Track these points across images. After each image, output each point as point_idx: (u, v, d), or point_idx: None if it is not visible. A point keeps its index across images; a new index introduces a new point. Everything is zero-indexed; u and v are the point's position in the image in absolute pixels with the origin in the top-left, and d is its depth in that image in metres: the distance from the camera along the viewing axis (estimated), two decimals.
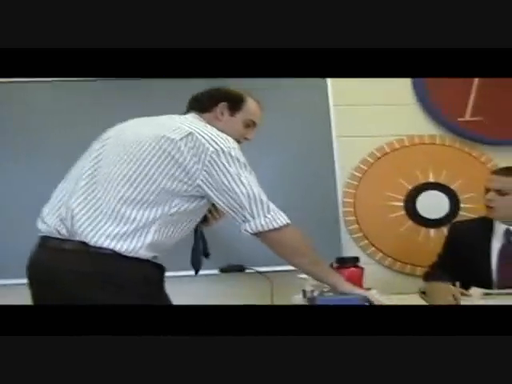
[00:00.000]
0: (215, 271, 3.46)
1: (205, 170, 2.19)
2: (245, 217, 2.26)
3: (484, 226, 3.03)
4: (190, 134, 2.20)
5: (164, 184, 2.18)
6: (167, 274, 3.36)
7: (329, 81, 3.71)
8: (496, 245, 2.97)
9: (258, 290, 3.46)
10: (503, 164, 3.41)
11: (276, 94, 3.56)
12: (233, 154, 2.24)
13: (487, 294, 2.69)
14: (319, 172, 3.65)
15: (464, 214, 3.79)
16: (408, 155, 3.89)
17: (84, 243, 2.12)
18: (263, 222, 2.25)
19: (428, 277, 3.02)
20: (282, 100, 3.62)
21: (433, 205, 3.86)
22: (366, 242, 3.81)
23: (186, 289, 3.44)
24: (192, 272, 3.38)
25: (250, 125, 2.54)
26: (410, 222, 3.85)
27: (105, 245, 2.11)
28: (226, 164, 2.21)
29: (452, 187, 3.88)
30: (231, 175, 2.22)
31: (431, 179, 3.88)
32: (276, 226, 2.27)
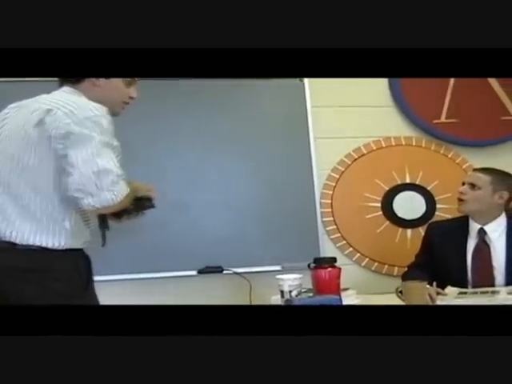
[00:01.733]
0: (193, 272, 3.47)
1: (65, 144, 2.11)
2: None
3: (460, 226, 3.08)
4: (49, 111, 2.13)
5: (48, 167, 2.14)
6: (146, 275, 3.41)
7: (306, 82, 3.73)
8: (471, 244, 3.02)
9: (236, 291, 3.48)
10: (478, 165, 3.46)
11: (253, 96, 3.59)
12: (95, 120, 2.13)
13: (462, 293, 2.74)
14: (297, 173, 3.67)
15: (440, 215, 3.84)
16: (385, 156, 3.94)
17: (9, 242, 2.13)
18: (108, 197, 2.15)
19: (406, 276, 3.06)
20: (260, 101, 3.65)
21: (409, 205, 3.91)
22: (344, 242, 3.85)
23: (164, 289, 3.47)
24: (171, 273, 3.43)
25: (130, 82, 2.43)
26: (387, 223, 3.89)
27: (30, 241, 2.12)
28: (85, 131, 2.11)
29: (428, 188, 3.93)
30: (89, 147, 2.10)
31: (408, 180, 3.94)
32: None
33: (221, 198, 3.55)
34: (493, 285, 2.88)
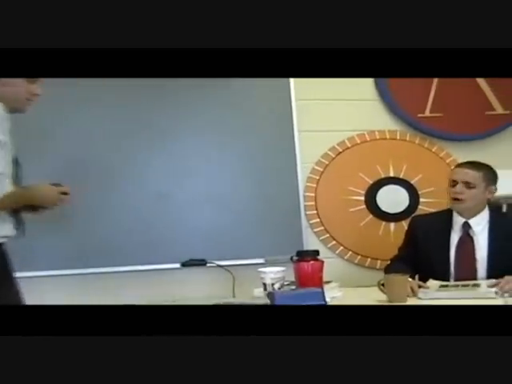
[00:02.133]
0: (177, 265, 3.48)
1: None
2: None
3: (443, 220, 3.10)
4: None
5: None
6: (130, 268, 3.41)
7: None
8: (454, 238, 3.04)
9: (219, 284, 3.48)
10: (462, 159, 3.48)
11: (238, 88, 3.59)
12: None
13: (443, 286, 2.75)
14: (281, 166, 3.68)
15: (423, 209, 3.87)
16: (369, 150, 3.95)
17: None
18: None
19: (388, 269, 3.08)
20: (244, 94, 3.64)
21: (393, 199, 3.93)
22: (327, 235, 3.86)
23: (148, 282, 3.47)
24: (155, 266, 3.43)
25: (34, 79, 2.47)
26: (370, 216, 3.91)
27: None
28: None
29: (412, 182, 3.95)
30: None
31: (392, 174, 3.95)
32: None
33: (204, 191, 3.56)
34: (475, 278, 2.90)
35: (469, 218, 3.03)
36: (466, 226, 3.02)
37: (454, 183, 3.04)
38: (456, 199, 3.03)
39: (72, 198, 2.56)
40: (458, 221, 3.05)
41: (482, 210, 3.04)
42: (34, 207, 2.52)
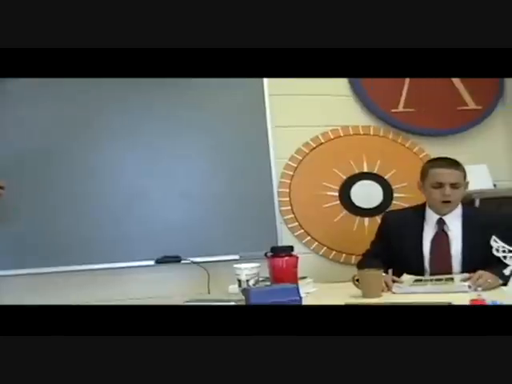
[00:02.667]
0: (151, 262, 3.48)
1: None
2: None
3: (416, 216, 3.12)
4: None
5: None
6: (104, 265, 3.41)
7: None
8: (428, 233, 3.06)
9: (194, 281, 3.49)
10: (435, 155, 3.51)
11: (211, 83, 3.57)
12: None
13: (417, 281, 2.78)
14: (255, 162, 3.69)
15: (397, 204, 3.90)
16: (343, 145, 3.97)
17: None
18: None
19: (361, 264, 3.10)
20: (217, 89, 3.63)
21: (367, 194, 3.96)
22: (302, 231, 3.88)
23: (122, 280, 3.47)
24: (129, 263, 3.42)
25: None
26: (344, 212, 3.93)
27: None
28: None
29: (386, 177, 3.98)
30: None
31: (365, 169, 3.98)
32: None
33: (178, 187, 3.55)
34: (450, 273, 2.93)
35: (443, 215, 3.05)
36: (441, 222, 3.04)
37: (439, 185, 3.01)
38: (447, 202, 3.02)
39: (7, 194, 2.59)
40: (431, 216, 3.07)
41: (456, 205, 3.07)
42: None
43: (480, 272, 2.65)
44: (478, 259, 2.82)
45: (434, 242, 3.04)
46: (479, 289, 2.54)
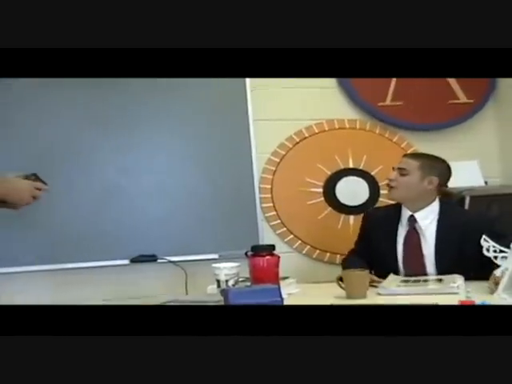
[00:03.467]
0: (126, 261, 3.47)
1: None
2: None
3: (393, 213, 3.14)
4: None
5: None
6: (76, 265, 3.39)
7: None
8: (402, 232, 3.08)
9: (171, 281, 3.48)
10: (423, 150, 3.52)
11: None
12: None
13: (404, 282, 2.78)
14: (235, 157, 3.69)
15: (384, 201, 3.88)
16: (327, 140, 3.98)
17: None
18: None
19: (346, 264, 3.12)
20: (196, 82, 3.57)
21: (352, 191, 3.97)
22: (284, 229, 3.88)
23: (95, 280, 3.45)
24: (102, 263, 3.41)
25: None
26: (329, 209, 3.94)
27: None
28: None
29: (372, 173, 3.99)
30: None
31: (351, 165, 3.99)
32: None
33: (155, 182, 3.55)
34: (424, 274, 2.94)
35: (415, 212, 3.05)
36: (412, 220, 3.05)
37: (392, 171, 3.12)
38: (389, 186, 3.11)
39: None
40: (404, 214, 3.08)
41: (429, 202, 3.07)
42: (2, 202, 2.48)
43: None
44: (453, 260, 2.85)
45: (405, 241, 3.06)
46: (469, 289, 2.54)
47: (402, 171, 3.06)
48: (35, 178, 2.57)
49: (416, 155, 3.15)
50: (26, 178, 2.52)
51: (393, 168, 3.11)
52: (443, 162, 3.12)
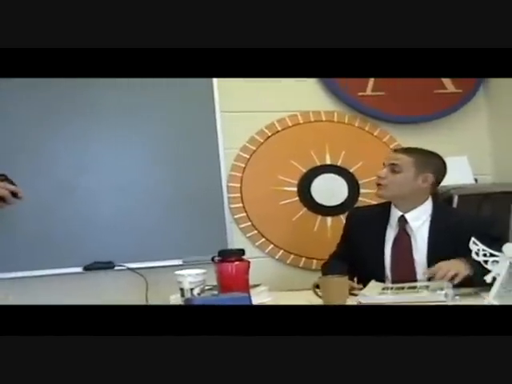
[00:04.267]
0: (79, 269, 3.44)
1: None
2: None
3: (381, 213, 3.11)
4: None
5: None
6: (24, 273, 3.35)
7: None
8: (391, 234, 3.05)
9: (130, 290, 3.46)
10: (408, 144, 3.52)
11: None
12: None
13: (386, 289, 2.78)
14: (200, 152, 3.67)
15: (364, 201, 3.91)
16: (302, 134, 3.98)
17: None
18: None
19: (325, 268, 3.12)
20: None
21: (330, 190, 3.97)
22: (255, 232, 3.88)
23: (44, 289, 3.42)
24: (53, 271, 3.38)
25: None
26: (304, 210, 3.94)
27: None
28: None
29: (351, 170, 3.99)
30: None
31: (328, 161, 3.99)
32: None
33: (111, 181, 3.52)
34: (414, 279, 2.92)
35: (406, 212, 3.03)
36: (402, 221, 3.02)
37: (383, 168, 3.06)
38: (378, 184, 3.06)
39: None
40: (394, 215, 3.05)
41: (421, 202, 3.04)
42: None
43: (438, 265, 2.67)
44: None
45: (394, 243, 3.03)
46: (457, 297, 2.55)
47: (394, 168, 3.01)
48: (4, 178, 2.57)
49: (409, 150, 3.08)
50: None
51: (383, 164, 3.06)
52: (438, 157, 3.09)
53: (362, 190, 3.97)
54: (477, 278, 2.48)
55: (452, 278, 2.61)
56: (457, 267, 2.62)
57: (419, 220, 3.01)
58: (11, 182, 2.61)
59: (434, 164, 3.05)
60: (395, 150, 3.20)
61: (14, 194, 2.61)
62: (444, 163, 3.08)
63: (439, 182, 3.11)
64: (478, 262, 2.34)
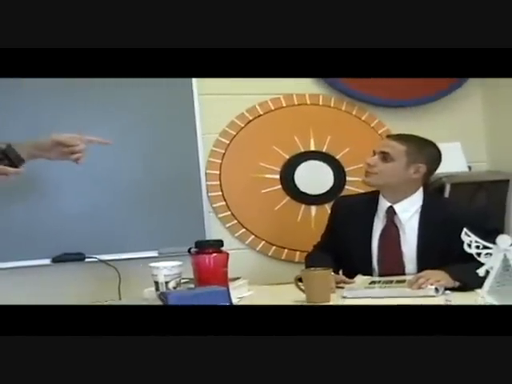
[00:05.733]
0: (47, 261, 3.43)
1: None
2: None
3: (368, 203, 3.12)
4: None
5: None
6: None
7: None
8: (378, 226, 3.06)
9: (101, 283, 3.45)
10: (398, 130, 3.52)
11: None
12: None
13: (373, 283, 2.79)
14: (177, 138, 3.67)
15: (351, 189, 3.91)
16: (285, 118, 3.98)
17: None
18: None
19: (309, 260, 3.11)
20: None
21: (314, 178, 3.97)
22: (235, 222, 3.88)
23: (8, 282, 3.41)
24: (18, 263, 3.36)
25: None
26: (287, 199, 3.94)
27: None
28: None
29: (337, 157, 4.00)
30: None
31: (312, 147, 3.99)
32: None
33: (81, 169, 3.48)
34: (402, 273, 2.94)
35: (394, 203, 3.03)
36: (391, 212, 3.03)
37: (373, 155, 3.06)
38: (367, 172, 3.06)
39: None
40: (382, 205, 3.06)
41: (411, 193, 3.04)
42: None
43: (425, 272, 2.67)
44: (436, 259, 2.83)
45: (382, 236, 3.04)
46: (448, 292, 2.55)
47: (385, 156, 3.00)
48: (2, 156, 2.56)
49: (402, 137, 3.06)
50: None
51: (373, 152, 3.05)
52: (433, 146, 3.08)
53: (348, 178, 3.98)
54: (468, 286, 2.48)
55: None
56: (439, 277, 2.62)
57: (408, 211, 3.01)
58: (11, 159, 2.60)
59: (428, 153, 3.04)
60: (387, 137, 3.19)
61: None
62: (439, 152, 3.08)
63: (432, 173, 3.11)
64: (469, 271, 2.33)
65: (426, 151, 3.04)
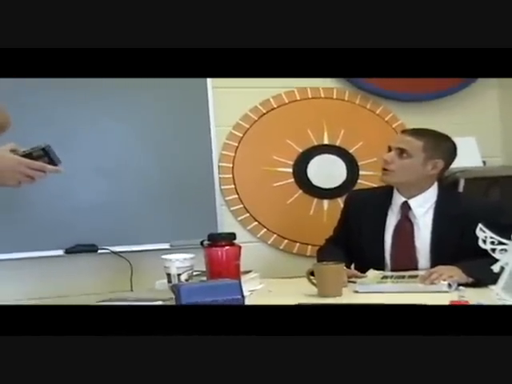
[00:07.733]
0: (60, 252, 3.44)
1: None
2: None
3: (382, 198, 3.11)
4: None
5: None
6: (3, 256, 3.35)
7: None
8: (392, 220, 3.06)
9: (114, 275, 3.48)
10: (412, 124, 3.52)
11: None
12: None
13: (385, 278, 2.79)
14: (190, 130, 3.67)
15: (364, 183, 3.91)
16: (299, 111, 3.98)
17: None
18: None
19: (321, 253, 3.13)
20: None
21: (327, 171, 3.97)
22: (247, 215, 3.88)
23: (22, 274, 3.42)
24: (33, 253, 3.38)
25: None
26: (299, 192, 3.95)
27: None
28: None
29: (350, 151, 4.00)
30: None
31: (326, 141, 3.99)
32: None
33: (95, 161, 3.51)
34: (415, 268, 2.94)
35: (409, 198, 3.03)
36: (405, 207, 3.02)
37: (388, 150, 3.05)
38: (384, 169, 3.03)
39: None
40: (397, 200, 3.06)
41: (426, 188, 3.04)
42: None
43: (438, 267, 2.67)
44: (452, 254, 2.82)
45: (395, 231, 3.04)
46: (461, 288, 2.54)
47: (402, 152, 2.99)
48: (43, 153, 2.55)
49: (418, 132, 3.03)
50: (28, 154, 2.53)
51: (389, 147, 3.04)
52: (449, 140, 3.07)
53: (361, 172, 3.98)
54: (482, 282, 2.49)
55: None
56: (452, 272, 2.63)
57: (423, 207, 3.01)
58: (51, 158, 2.58)
59: (445, 148, 3.04)
60: (403, 132, 3.15)
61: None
62: (455, 146, 3.08)
63: (448, 167, 3.10)
64: (483, 267, 2.32)
65: (443, 146, 3.04)
